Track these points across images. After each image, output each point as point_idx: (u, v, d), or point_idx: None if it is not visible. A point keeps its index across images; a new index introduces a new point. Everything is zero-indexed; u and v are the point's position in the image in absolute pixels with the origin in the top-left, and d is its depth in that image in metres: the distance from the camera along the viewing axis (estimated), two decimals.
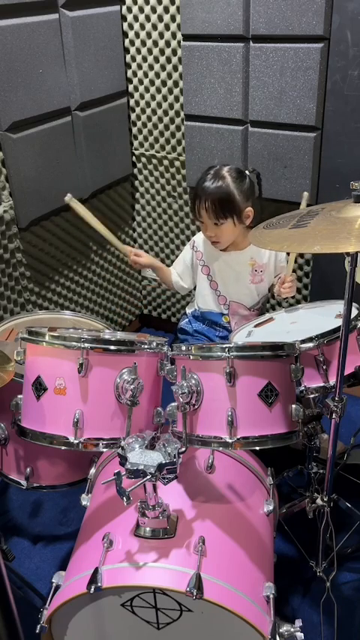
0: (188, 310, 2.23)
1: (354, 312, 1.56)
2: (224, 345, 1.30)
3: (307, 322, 1.82)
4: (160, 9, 2.34)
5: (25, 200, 2.21)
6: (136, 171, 2.79)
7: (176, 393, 1.30)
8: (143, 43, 2.46)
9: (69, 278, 2.62)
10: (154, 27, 2.39)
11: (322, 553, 1.64)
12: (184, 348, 1.37)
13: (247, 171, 1.97)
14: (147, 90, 2.55)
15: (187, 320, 2.21)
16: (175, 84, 2.46)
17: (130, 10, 2.42)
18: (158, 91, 2.52)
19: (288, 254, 2.00)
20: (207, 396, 1.31)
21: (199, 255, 2.09)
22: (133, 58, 2.51)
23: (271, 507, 1.51)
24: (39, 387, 1.36)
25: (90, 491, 1.54)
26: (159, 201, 2.81)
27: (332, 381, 1.55)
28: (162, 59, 2.44)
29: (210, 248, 2.05)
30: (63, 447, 1.33)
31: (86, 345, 1.31)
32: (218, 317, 2.12)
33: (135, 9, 2.40)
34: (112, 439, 1.34)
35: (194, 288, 2.20)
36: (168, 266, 2.23)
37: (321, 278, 2.45)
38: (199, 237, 2.10)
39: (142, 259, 2.15)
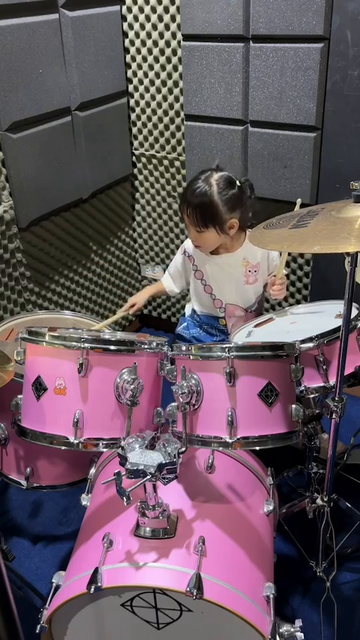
0: (186, 311, 2.23)
1: (354, 312, 1.56)
2: (224, 345, 1.30)
3: (307, 322, 1.82)
4: (160, 9, 2.34)
5: (25, 200, 2.21)
6: (136, 171, 2.79)
7: (176, 393, 1.30)
8: (143, 43, 2.46)
9: (69, 278, 2.61)
10: (154, 27, 2.39)
11: (322, 553, 1.64)
12: (184, 348, 1.37)
13: (238, 181, 1.88)
14: (147, 90, 2.55)
15: (184, 325, 2.20)
16: (175, 84, 2.46)
17: (130, 10, 2.42)
18: (158, 91, 2.52)
19: (280, 254, 1.98)
20: (207, 396, 1.31)
21: (191, 259, 2.07)
22: (133, 58, 2.51)
23: (271, 507, 1.51)
24: (39, 387, 1.36)
25: (90, 491, 1.55)
26: (159, 201, 2.81)
27: (332, 381, 1.55)
28: (162, 59, 2.44)
29: (201, 252, 2.02)
30: (63, 447, 1.34)
31: (86, 345, 1.31)
32: (215, 320, 2.11)
33: (135, 9, 2.40)
34: (112, 439, 1.34)
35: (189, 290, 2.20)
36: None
37: (321, 278, 2.45)
38: (189, 242, 2.07)
39: (140, 302, 2.19)
